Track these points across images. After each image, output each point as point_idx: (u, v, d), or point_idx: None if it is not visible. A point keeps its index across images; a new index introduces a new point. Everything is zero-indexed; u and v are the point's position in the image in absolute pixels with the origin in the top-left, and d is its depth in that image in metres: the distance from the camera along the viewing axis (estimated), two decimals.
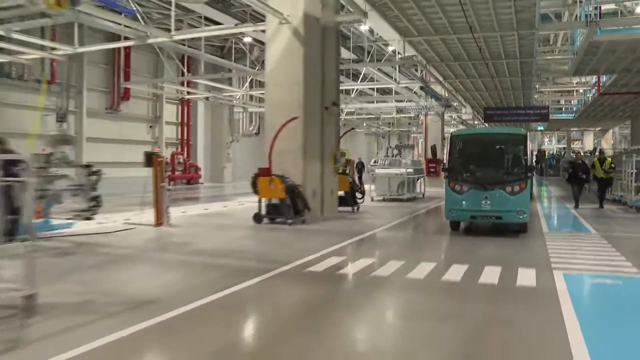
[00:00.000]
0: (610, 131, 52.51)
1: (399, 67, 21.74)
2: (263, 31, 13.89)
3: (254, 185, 12.11)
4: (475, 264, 7.40)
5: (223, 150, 32.44)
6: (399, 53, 20.32)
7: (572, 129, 55.56)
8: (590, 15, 15.83)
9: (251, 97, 29.46)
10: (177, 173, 28.70)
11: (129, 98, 26.65)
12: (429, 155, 28.22)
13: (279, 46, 12.70)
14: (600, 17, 16.37)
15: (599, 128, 52.33)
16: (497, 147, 11.81)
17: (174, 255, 8.44)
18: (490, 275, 6.83)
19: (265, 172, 12.03)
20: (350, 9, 13.52)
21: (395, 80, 22.40)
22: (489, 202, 10.40)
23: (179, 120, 30.53)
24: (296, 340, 4.58)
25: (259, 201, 12.23)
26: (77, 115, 24.14)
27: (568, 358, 4.00)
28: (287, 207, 11.80)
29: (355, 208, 15.07)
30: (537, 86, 29.64)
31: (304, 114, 12.45)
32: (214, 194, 23.20)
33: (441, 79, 24.76)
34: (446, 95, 26.90)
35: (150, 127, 28.71)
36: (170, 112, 29.74)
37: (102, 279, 6.67)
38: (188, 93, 27.41)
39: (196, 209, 15.41)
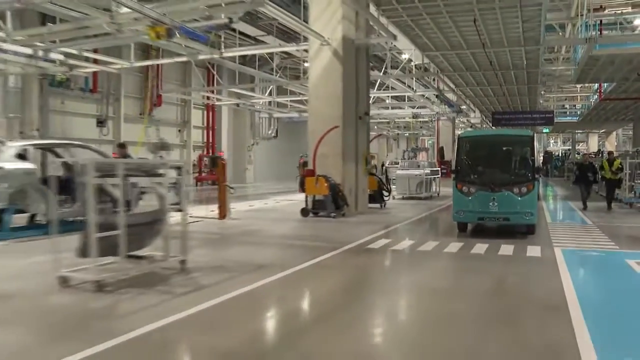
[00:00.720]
0: (614, 133, 54.81)
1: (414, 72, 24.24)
2: (306, 50, 16.27)
3: (302, 184, 14.50)
4: (494, 243, 9.75)
5: (245, 152, 34.86)
6: (411, 61, 22.77)
7: (576, 131, 57.92)
8: (589, 31, 18.27)
9: (271, 102, 31.84)
10: (203, 174, 31.05)
11: (161, 104, 29.06)
12: (438, 157, 30.53)
13: (321, 64, 15.08)
14: (600, 32, 18.80)
15: (603, 130, 54.65)
16: (504, 148, 12.18)
17: (254, 239, 10.79)
18: (506, 249, 9.19)
19: (310, 173, 14.41)
20: (383, 33, 15.89)
21: (412, 88, 24.80)
22: (496, 204, 10.65)
23: (205, 124, 32.95)
24: (386, 278, 7.01)
25: (306, 197, 14.61)
26: (115, 120, 26.55)
27: (560, 288, 6.38)
28: (330, 202, 14.16)
29: (383, 205, 17.43)
30: (542, 92, 31.94)
31: (342, 123, 14.81)
32: (247, 194, 25.50)
33: (453, 86, 27.14)
34: (457, 100, 29.31)
35: (179, 131, 31.13)
36: (196, 116, 32.16)
37: (216, 253, 9.01)
38: (217, 100, 29.74)
39: (241, 206, 17.74)
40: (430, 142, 51.64)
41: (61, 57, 16.16)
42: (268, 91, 29.67)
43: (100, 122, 26.06)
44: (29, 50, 14.64)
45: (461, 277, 7.45)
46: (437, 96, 25.05)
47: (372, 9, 15.63)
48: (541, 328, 4.96)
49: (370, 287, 6.95)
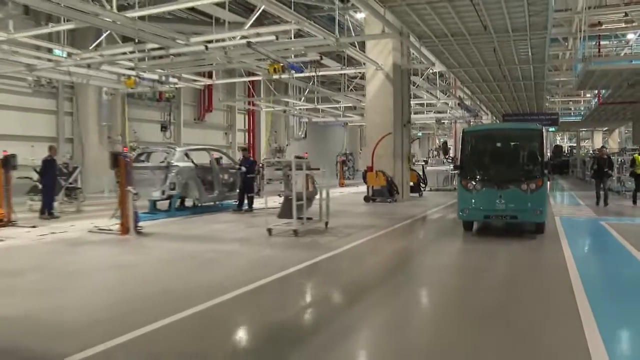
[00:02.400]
0: (617, 131, 59.77)
1: (439, 85, 29.23)
2: (363, 75, 21.21)
3: (364, 177, 19.44)
4: None
5: (281, 152, 39.79)
6: (438, 74, 27.74)
7: (581, 130, 62.84)
8: (585, 48, 23.24)
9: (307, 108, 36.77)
10: None
11: (212, 110, 33.96)
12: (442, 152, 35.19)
13: (375, 84, 20.01)
14: (599, 49, 23.84)
15: (606, 128, 59.55)
16: (512, 143, 12.15)
17: (348, 214, 15.42)
18: None
19: (370, 169, 19.35)
20: (424, 60, 20.87)
21: (436, 96, 29.84)
22: (503, 201, 10.55)
23: (247, 127, 37.85)
24: (451, 228, 11.94)
25: (367, 187, 19.54)
26: (176, 125, 31.48)
27: (556, 231, 11.33)
28: (386, 191, 19.08)
29: (420, 194, 22.37)
30: (548, 97, 36.88)
31: (393, 130, 19.73)
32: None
33: (469, 93, 32.09)
34: (472, 105, 34.31)
35: (225, 133, 36.06)
36: (240, 120, 37.07)
37: (337, 221, 13.82)
38: (261, 106, 34.72)
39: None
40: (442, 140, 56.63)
41: (165, 77, 21.10)
42: (303, 97, 34.50)
43: (164, 127, 31.00)
44: (155, 76, 19.66)
45: (501, 230, 12.39)
46: (458, 104, 30.08)
47: (413, 39, 20.48)
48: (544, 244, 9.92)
49: (444, 234, 11.84)
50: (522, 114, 38.29)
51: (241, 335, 5.22)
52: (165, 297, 6.13)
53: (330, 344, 4.66)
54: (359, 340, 4.92)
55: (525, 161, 11.42)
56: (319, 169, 12.38)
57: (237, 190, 16.22)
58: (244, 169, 15.92)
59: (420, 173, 23.29)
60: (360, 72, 23.78)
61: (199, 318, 5.40)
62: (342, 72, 24.16)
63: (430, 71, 28.26)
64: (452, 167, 26.40)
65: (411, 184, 21.74)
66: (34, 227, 12.42)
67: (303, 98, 34.35)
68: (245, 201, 16.05)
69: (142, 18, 13.52)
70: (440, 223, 13.95)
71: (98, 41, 17.21)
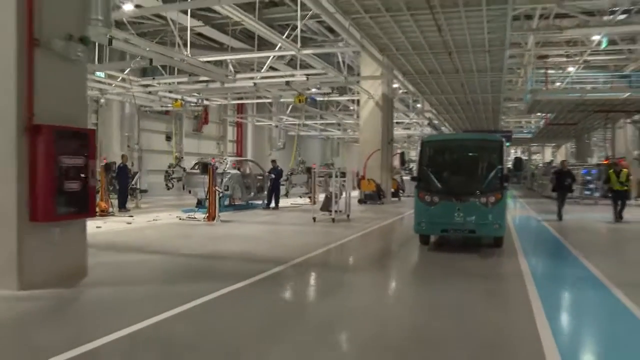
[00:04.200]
0: (563, 146, 67.59)
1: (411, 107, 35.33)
2: (358, 100, 26.97)
3: (359, 184, 25.08)
4: None
5: (264, 160, 45.12)
6: (409, 95, 33.80)
7: (532, 145, 70.52)
8: (533, 82, 29.66)
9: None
10: None
11: (208, 122, 39.05)
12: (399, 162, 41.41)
13: (367, 109, 25.74)
14: (546, 83, 30.33)
15: (554, 144, 67.32)
16: (471, 154, 12.03)
17: (353, 212, 21.11)
18: None
19: (362, 178, 25.01)
20: (407, 91, 26.73)
21: (408, 116, 35.93)
22: (461, 214, 10.43)
23: (235, 138, 43.06)
24: None
25: (360, 192, 25.17)
26: (178, 136, 36.48)
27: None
28: (376, 195, 24.76)
29: (399, 198, 28.17)
30: (503, 117, 43.53)
31: (381, 147, 25.46)
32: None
33: (435, 112, 38.31)
34: (437, 122, 40.61)
35: (218, 143, 41.20)
36: (230, 132, 42.27)
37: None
38: (257, 121, 40.09)
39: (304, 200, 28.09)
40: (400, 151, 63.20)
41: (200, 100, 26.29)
42: (288, 110, 40.01)
43: (169, 138, 35.97)
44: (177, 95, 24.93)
45: None
46: (428, 123, 36.24)
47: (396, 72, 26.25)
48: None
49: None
50: (481, 131, 44.83)
51: (346, 260, 10.78)
52: (294, 248, 11.40)
53: (386, 261, 10.28)
54: (396, 257, 10.56)
55: (485, 173, 11.21)
56: (344, 175, 17.90)
57: (266, 192, 21.61)
58: (273, 175, 21.35)
59: (400, 182, 29.15)
60: (352, 99, 29.62)
61: (325, 254, 10.89)
62: (342, 98, 29.95)
63: (405, 95, 34.26)
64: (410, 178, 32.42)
65: (392, 190, 27.49)
66: (131, 216, 17.46)
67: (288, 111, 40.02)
68: (273, 200, 21.46)
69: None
70: None
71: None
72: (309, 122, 38.61)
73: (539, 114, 44.79)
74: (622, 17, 23.42)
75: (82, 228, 7.90)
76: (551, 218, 18.58)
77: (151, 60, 17.71)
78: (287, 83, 19.42)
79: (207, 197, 16.33)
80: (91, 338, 5.08)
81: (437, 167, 11.56)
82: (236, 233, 13.81)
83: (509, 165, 21.75)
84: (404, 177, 31.95)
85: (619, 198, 17.90)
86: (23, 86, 6.78)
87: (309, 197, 24.02)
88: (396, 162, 28.15)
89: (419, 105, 36.71)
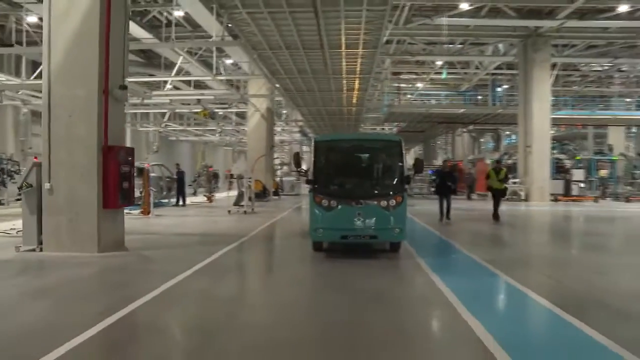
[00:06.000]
0: (412, 150, 77.04)
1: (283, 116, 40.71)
2: (244, 112, 31.69)
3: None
4: None
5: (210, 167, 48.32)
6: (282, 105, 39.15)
7: None
8: (389, 97, 36.27)
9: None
10: None
11: None
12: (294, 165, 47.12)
13: (254, 121, 30.59)
14: (399, 98, 37.04)
15: (406, 147, 76.33)
16: (370, 155, 11.61)
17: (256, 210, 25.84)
18: None
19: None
20: (287, 105, 31.85)
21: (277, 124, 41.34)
22: (362, 219, 10.09)
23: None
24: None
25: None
26: None
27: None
28: (262, 194, 29.66)
29: (279, 197, 33.29)
30: (362, 125, 50.36)
31: (265, 152, 30.41)
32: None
33: (304, 120, 44.03)
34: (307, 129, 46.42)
35: None
36: None
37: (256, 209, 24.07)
38: (140, 126, 43.19)
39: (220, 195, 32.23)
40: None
41: None
42: (166, 118, 43.65)
43: None
44: None
45: None
46: (300, 132, 41.83)
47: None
48: None
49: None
50: (344, 135, 51.40)
51: (278, 234, 15.67)
52: (238, 229, 15.97)
53: (291, 228, 15.39)
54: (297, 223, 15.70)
55: (386, 175, 11.16)
56: (251, 178, 22.63)
57: (174, 192, 25.66)
58: (178, 177, 25.56)
59: (279, 182, 34.32)
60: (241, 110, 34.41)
61: (263, 231, 15.66)
62: (234, 110, 34.50)
63: (278, 106, 39.54)
64: (305, 181, 37.83)
65: (273, 189, 32.58)
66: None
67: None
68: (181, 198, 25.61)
69: None
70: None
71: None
72: (189, 128, 42.54)
73: (393, 123, 52.44)
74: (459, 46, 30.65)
75: (123, 213, 12.09)
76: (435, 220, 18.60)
77: None
78: (199, 101, 23.72)
79: (142, 196, 20.21)
80: (175, 272, 9.56)
81: (334, 169, 11.42)
82: (180, 222, 18.08)
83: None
84: (284, 179, 37.25)
85: (497, 196, 18.40)
86: (101, 121, 10.94)
87: (208, 197, 28.44)
88: (271, 164, 33.22)
89: (284, 112, 42.43)
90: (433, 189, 22.07)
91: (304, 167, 13.63)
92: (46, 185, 10.99)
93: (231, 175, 30.20)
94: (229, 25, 18.05)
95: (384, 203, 10.33)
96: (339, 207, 10.37)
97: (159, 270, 9.47)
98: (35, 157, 22.52)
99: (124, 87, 11.65)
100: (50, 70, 11.02)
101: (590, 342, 5.60)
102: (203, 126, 43.96)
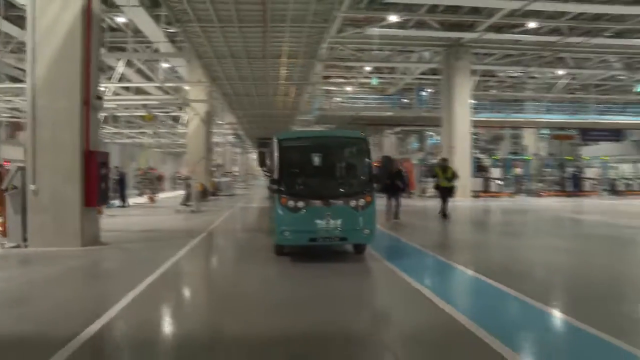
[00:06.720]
0: None
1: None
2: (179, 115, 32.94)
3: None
4: None
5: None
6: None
7: None
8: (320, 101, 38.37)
9: None
10: None
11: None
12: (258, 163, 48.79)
13: (194, 125, 31.91)
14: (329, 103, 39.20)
15: None
16: (338, 152, 11.42)
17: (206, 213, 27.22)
18: None
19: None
20: (223, 111, 33.34)
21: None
22: (331, 221, 9.76)
23: None
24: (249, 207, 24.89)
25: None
26: None
27: None
28: (204, 193, 31.03)
29: (218, 197, 34.72)
30: (293, 127, 52.29)
31: (205, 155, 31.80)
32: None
33: (238, 123, 45.54)
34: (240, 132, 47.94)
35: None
36: None
37: (202, 209, 25.46)
38: None
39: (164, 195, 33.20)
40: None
41: None
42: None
43: None
44: None
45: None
46: (233, 133, 43.32)
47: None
48: None
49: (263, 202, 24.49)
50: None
51: (235, 228, 17.32)
52: (194, 226, 17.48)
53: (256, 226, 17.15)
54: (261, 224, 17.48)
55: (355, 174, 10.90)
56: (194, 179, 24.07)
57: (118, 193, 26.67)
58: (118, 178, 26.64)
59: (217, 184, 35.81)
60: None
61: (218, 226, 17.27)
62: (172, 114, 35.64)
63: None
64: (269, 181, 39.33)
65: (211, 190, 33.98)
66: None
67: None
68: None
69: None
70: (255, 203, 26.62)
71: None
72: (124, 130, 43.25)
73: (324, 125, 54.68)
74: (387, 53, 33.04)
75: (98, 211, 13.49)
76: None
77: None
78: (144, 106, 24.92)
79: None
80: (164, 258, 11.15)
81: (301, 168, 11.09)
82: (137, 221, 19.33)
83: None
84: (221, 180, 38.66)
85: (444, 194, 18.49)
86: (83, 128, 12.33)
87: (150, 197, 29.63)
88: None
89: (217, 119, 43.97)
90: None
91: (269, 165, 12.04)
92: (31, 187, 12.27)
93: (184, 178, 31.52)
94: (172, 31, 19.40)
95: (353, 203, 10.05)
96: (307, 208, 9.92)
97: (149, 258, 11.08)
98: (6, 162, 23.31)
99: (100, 98, 13.06)
100: (35, 83, 12.31)
101: (498, 291, 8.08)
102: (137, 129, 44.72)
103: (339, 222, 9.83)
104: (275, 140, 10.64)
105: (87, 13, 12.38)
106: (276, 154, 10.37)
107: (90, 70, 12.48)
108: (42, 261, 10.97)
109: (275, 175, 10.30)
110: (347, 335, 6.09)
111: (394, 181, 17.27)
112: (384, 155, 25.18)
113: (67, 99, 12.27)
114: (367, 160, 10.65)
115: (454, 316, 6.62)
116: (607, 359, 5.31)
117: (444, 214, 18.35)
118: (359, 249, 10.97)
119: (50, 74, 12.29)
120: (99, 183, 12.68)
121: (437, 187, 18.78)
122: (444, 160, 19.27)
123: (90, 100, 12.47)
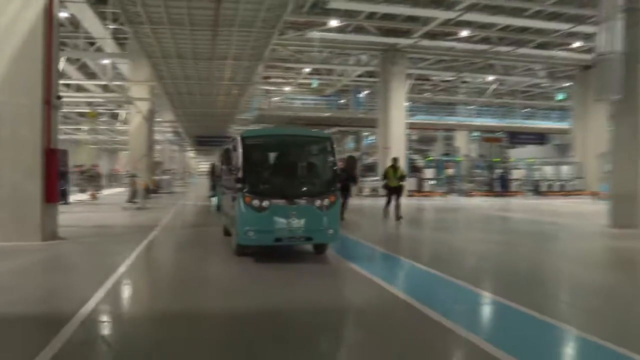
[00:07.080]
0: None
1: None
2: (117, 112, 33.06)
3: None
4: None
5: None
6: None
7: None
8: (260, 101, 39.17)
9: None
10: None
11: None
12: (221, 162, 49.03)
13: (137, 121, 32.12)
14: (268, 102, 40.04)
15: None
16: (303, 151, 11.57)
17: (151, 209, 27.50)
18: None
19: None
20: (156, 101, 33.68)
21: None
22: (297, 220, 9.70)
23: None
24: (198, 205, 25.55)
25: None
26: None
27: None
28: (147, 191, 31.31)
29: (159, 194, 34.99)
30: (232, 126, 52.79)
31: (147, 152, 32.07)
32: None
33: (177, 121, 45.69)
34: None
35: None
36: None
37: (146, 206, 25.81)
38: None
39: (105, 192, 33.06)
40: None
41: None
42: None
43: None
44: None
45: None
46: (173, 131, 43.48)
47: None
48: None
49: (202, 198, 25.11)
50: (214, 136, 53.16)
51: (184, 223, 18.00)
52: (145, 221, 18.03)
53: (204, 220, 17.90)
54: (209, 218, 18.23)
55: (320, 173, 10.91)
56: (140, 177, 24.46)
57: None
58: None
59: (159, 181, 36.03)
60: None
61: (169, 222, 17.88)
62: (120, 111, 35.65)
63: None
64: (234, 180, 39.50)
65: (153, 188, 34.25)
66: None
67: None
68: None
69: None
70: (196, 201, 27.18)
71: None
72: (61, 127, 42.80)
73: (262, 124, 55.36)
74: (325, 55, 34.10)
75: (57, 207, 13.93)
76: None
77: None
78: (90, 103, 25.11)
79: None
80: (128, 250, 11.82)
81: (265, 166, 11.23)
82: (86, 217, 19.48)
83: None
84: (162, 178, 38.89)
85: (393, 194, 18.50)
86: (45, 127, 12.78)
87: (92, 194, 29.73)
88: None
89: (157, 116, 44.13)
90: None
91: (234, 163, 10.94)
92: None
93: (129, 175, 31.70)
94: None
95: (318, 203, 9.94)
96: (272, 207, 9.71)
97: (112, 251, 11.71)
98: None
99: (60, 97, 13.54)
100: None
101: (433, 275, 9.30)
102: (74, 125, 44.28)
103: (304, 221, 9.77)
104: (239, 138, 10.46)
105: (49, 13, 12.84)
106: (240, 152, 10.14)
107: (52, 70, 12.96)
108: (4, 255, 11.29)
109: (239, 174, 9.99)
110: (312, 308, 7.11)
111: (345, 181, 17.17)
112: (349, 155, 27.36)
113: (28, 97, 12.65)
114: (331, 159, 10.63)
115: (397, 294, 7.79)
116: (521, 325, 6.41)
117: (397, 217, 18.36)
118: (320, 249, 10.90)
119: (11, 72, 12.66)
120: (57, 180, 13.17)
121: (386, 187, 18.85)
122: (395, 160, 19.29)
123: (51, 100, 12.93)
